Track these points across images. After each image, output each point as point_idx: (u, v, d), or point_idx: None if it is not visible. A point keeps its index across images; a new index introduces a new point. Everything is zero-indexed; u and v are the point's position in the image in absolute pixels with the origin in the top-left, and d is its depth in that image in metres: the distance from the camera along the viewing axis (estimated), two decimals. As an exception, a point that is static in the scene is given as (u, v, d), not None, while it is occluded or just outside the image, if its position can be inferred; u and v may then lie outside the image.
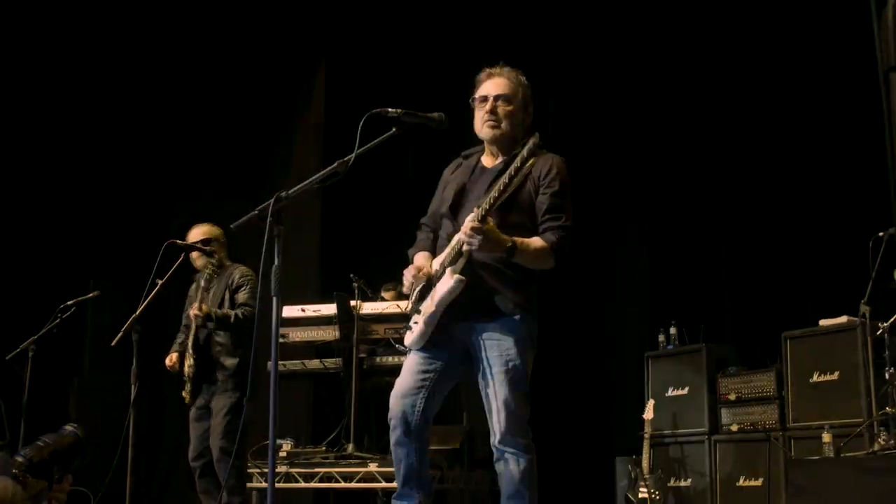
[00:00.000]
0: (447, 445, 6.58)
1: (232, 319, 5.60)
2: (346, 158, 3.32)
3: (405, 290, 3.84)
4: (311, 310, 6.96)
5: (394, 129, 3.47)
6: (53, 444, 2.65)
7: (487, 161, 3.87)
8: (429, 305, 3.65)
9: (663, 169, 8.77)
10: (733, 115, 8.32)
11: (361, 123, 3.30)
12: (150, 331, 5.69)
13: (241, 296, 5.71)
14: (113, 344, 5.37)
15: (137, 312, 5.36)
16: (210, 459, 5.65)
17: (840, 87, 7.36)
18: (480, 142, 3.93)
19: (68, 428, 2.71)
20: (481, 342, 3.61)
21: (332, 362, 6.96)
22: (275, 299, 3.29)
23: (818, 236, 7.65)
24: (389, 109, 3.43)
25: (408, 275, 3.79)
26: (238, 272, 5.82)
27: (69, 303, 6.17)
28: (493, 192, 3.47)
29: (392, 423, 3.71)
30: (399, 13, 9.01)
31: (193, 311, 5.55)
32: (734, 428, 6.71)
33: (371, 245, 8.47)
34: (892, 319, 5.36)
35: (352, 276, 6.70)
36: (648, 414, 6.94)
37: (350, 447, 6.41)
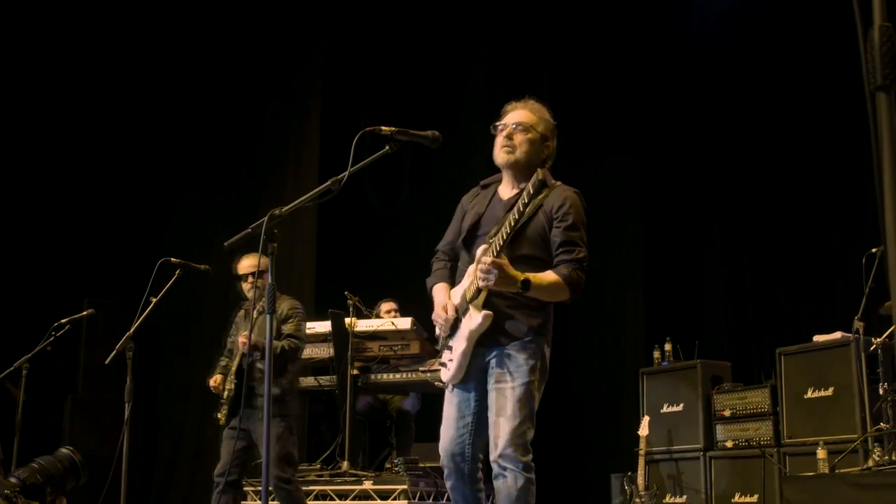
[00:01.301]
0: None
1: (277, 351, 5.61)
2: (339, 176, 3.33)
3: (438, 333, 3.90)
4: (306, 327, 6.96)
5: (387, 147, 3.48)
6: (48, 467, 2.65)
7: (504, 191, 3.90)
8: (460, 342, 3.72)
9: (660, 183, 8.81)
10: (730, 131, 8.38)
11: (355, 141, 3.31)
12: (145, 349, 5.67)
13: (288, 327, 5.74)
14: (107, 362, 5.35)
15: (132, 330, 5.35)
16: (235, 478, 5.68)
17: (833, 108, 7.41)
18: (499, 169, 3.94)
19: (63, 451, 2.71)
20: (493, 362, 3.68)
21: (326, 380, 6.96)
22: (268, 317, 3.30)
23: (812, 253, 7.68)
24: (383, 127, 3.44)
25: (439, 319, 3.83)
26: (286, 304, 5.85)
27: (63, 321, 6.15)
28: (504, 230, 3.53)
29: (446, 472, 3.79)
30: (398, 29, 9.06)
31: (242, 339, 5.58)
32: (729, 444, 6.70)
33: (366, 262, 8.48)
34: (885, 335, 5.38)
35: (346, 293, 6.71)
36: (643, 430, 6.93)
37: (345, 465, 6.40)
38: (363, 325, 6.73)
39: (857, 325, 5.50)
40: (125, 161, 9.20)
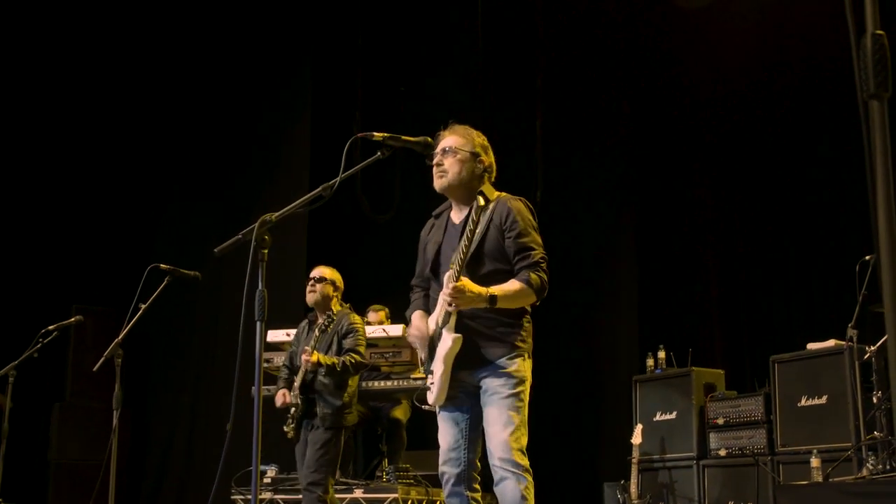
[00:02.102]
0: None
1: (339, 367, 5.65)
2: (330, 182, 3.33)
3: (421, 358, 4.09)
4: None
5: (379, 153, 3.49)
6: None
7: (455, 216, 4.10)
8: (438, 365, 3.91)
9: (654, 189, 8.83)
10: (725, 138, 8.39)
11: (346, 147, 3.32)
12: (134, 356, 5.66)
13: (349, 342, 5.79)
14: (95, 369, 5.33)
15: (120, 337, 5.33)
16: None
17: (826, 116, 7.44)
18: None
19: None
20: (483, 379, 3.88)
21: (316, 387, 6.93)
22: (258, 324, 3.29)
23: (806, 261, 7.70)
24: (374, 133, 3.45)
25: (411, 339, 4.08)
26: (348, 319, 5.90)
27: (50, 327, 6.13)
28: (459, 255, 3.73)
29: (443, 480, 4.02)
30: (389, 34, 9.06)
31: (305, 356, 5.62)
32: (722, 452, 6.72)
33: (356, 268, 8.47)
34: (879, 343, 5.39)
35: (337, 299, 6.68)
36: (636, 438, 6.94)
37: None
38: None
39: (851, 332, 5.51)
40: (115, 166, 9.19)
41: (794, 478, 5.93)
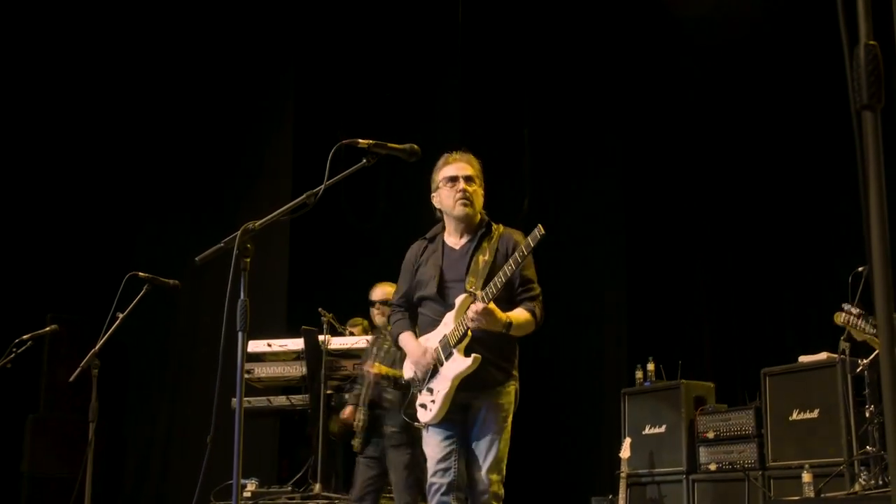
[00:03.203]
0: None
1: (403, 380, 5.67)
2: (315, 190, 3.33)
3: (417, 375, 4.28)
4: (278, 345, 6.94)
5: (364, 161, 3.50)
6: None
7: (452, 241, 4.33)
8: (443, 384, 4.12)
9: (643, 199, 8.86)
10: (714, 148, 8.44)
11: (331, 154, 3.32)
12: (111, 367, 5.64)
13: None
14: (71, 380, 5.31)
15: (97, 347, 5.31)
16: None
17: (819, 127, 7.49)
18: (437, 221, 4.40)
19: None
20: (480, 406, 4.14)
21: (299, 399, 6.94)
22: (240, 334, 3.28)
23: (798, 272, 7.73)
24: (360, 140, 3.46)
25: (421, 362, 4.22)
26: None
27: (25, 337, 6.10)
28: (499, 280, 3.96)
29: (431, 491, 4.20)
30: (372, 40, 9.08)
31: (367, 367, 5.73)
32: (712, 467, 6.73)
33: (340, 278, 8.47)
34: (872, 356, 5.41)
35: (320, 310, 6.69)
36: (625, 452, 6.94)
37: (317, 487, 6.38)
38: (337, 342, 6.72)
39: (844, 345, 5.53)
40: (93, 171, 9.16)
41: (786, 493, 5.95)
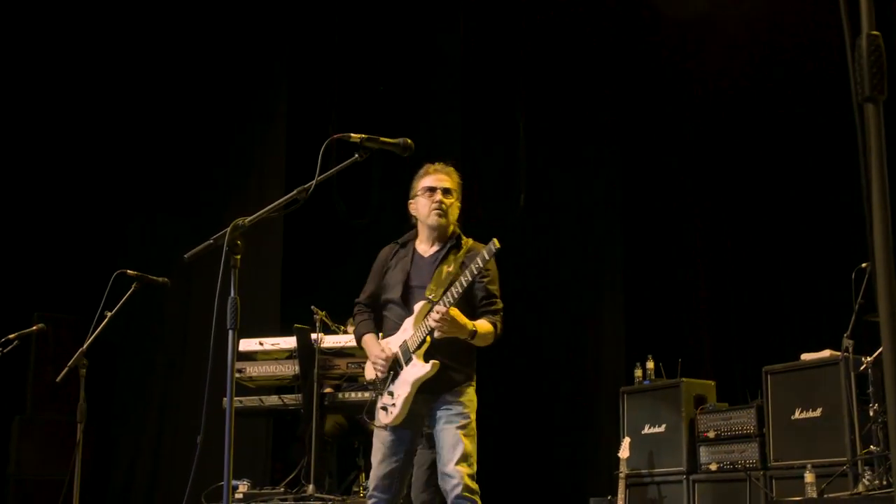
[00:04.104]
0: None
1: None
2: (306, 185, 3.33)
3: (378, 376, 4.46)
4: (270, 343, 6.93)
5: (356, 155, 3.50)
6: None
7: (422, 248, 4.55)
8: (403, 388, 4.32)
9: (641, 194, 8.86)
10: (714, 143, 8.44)
11: (323, 149, 3.32)
12: (99, 366, 5.63)
13: None
14: (58, 380, 5.31)
15: (85, 346, 5.31)
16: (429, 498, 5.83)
17: (820, 120, 7.50)
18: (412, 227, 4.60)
19: None
20: (440, 409, 4.33)
21: (291, 398, 6.92)
22: (231, 332, 3.28)
23: (800, 268, 7.74)
24: (352, 134, 3.45)
25: (379, 362, 4.42)
26: None
27: (11, 336, 6.09)
28: (455, 290, 4.17)
29: (373, 500, 4.43)
30: (366, 33, 9.07)
31: None
32: (713, 467, 6.74)
33: (334, 275, 8.46)
34: (875, 354, 5.41)
35: (313, 307, 6.68)
36: (624, 452, 6.95)
37: (310, 488, 6.36)
38: (330, 341, 6.71)
39: (847, 342, 5.54)
40: (79, 167, 9.13)
41: (788, 493, 5.96)
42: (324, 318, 6.68)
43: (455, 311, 4.14)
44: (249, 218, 3.30)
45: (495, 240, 4.04)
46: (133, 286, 5.60)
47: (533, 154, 9.21)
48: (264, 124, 8.91)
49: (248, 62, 9.02)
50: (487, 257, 4.08)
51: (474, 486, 4.22)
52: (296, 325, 6.72)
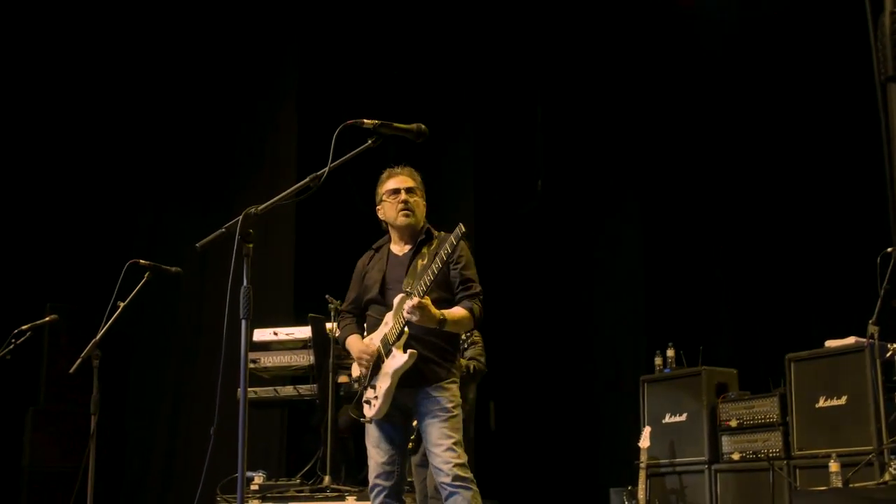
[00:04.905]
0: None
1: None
2: (318, 172, 3.33)
3: (362, 372, 4.61)
4: (284, 333, 6.95)
5: (370, 142, 3.50)
6: None
7: (396, 249, 4.74)
8: (384, 380, 4.45)
9: (660, 183, 8.83)
10: (733, 129, 8.40)
11: (335, 135, 3.32)
12: (112, 357, 5.65)
13: (470, 351, 5.89)
14: (71, 371, 5.34)
15: (98, 337, 5.33)
16: None
17: (842, 102, 7.44)
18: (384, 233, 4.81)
19: None
20: (425, 402, 4.46)
21: (306, 389, 6.95)
22: (244, 322, 3.29)
23: (823, 252, 7.70)
24: (365, 120, 3.45)
25: (363, 356, 4.58)
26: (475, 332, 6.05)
27: (24, 327, 6.13)
28: (427, 277, 4.30)
29: (373, 493, 4.57)
30: (379, 21, 9.05)
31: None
32: (735, 457, 6.73)
33: (348, 263, 8.47)
34: (901, 340, 5.39)
35: (327, 296, 6.69)
36: (644, 442, 6.95)
37: (326, 479, 6.39)
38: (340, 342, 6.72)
39: (872, 329, 5.50)
40: (91, 156, 9.16)
41: (812, 483, 5.94)
42: (338, 306, 6.68)
43: (426, 301, 4.26)
44: (261, 206, 3.30)
45: (461, 224, 4.15)
46: (146, 276, 5.62)
47: (550, 138, 9.18)
48: (276, 111, 8.91)
49: (258, 50, 9.02)
50: (455, 242, 4.20)
51: (465, 473, 4.33)
52: (311, 314, 6.74)
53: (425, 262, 4.47)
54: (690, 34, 8.62)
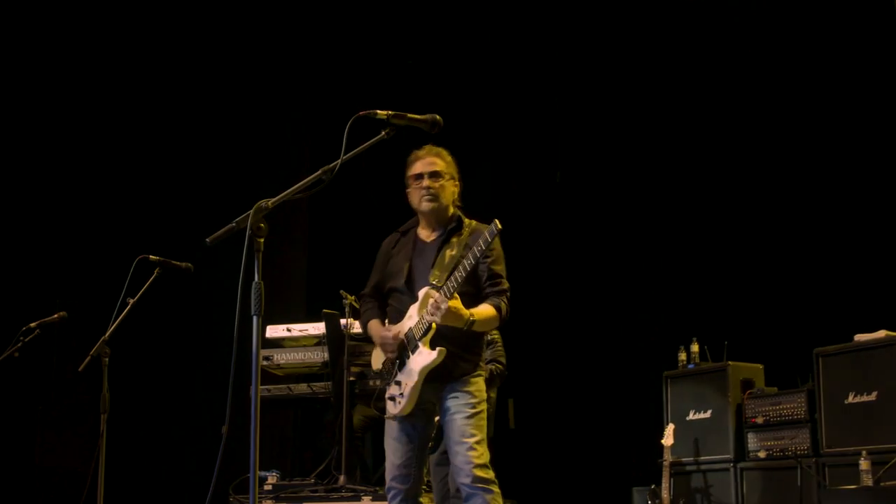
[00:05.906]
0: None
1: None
2: (331, 165, 3.33)
3: (389, 356, 4.55)
4: (298, 329, 6.96)
5: (383, 133, 3.49)
6: None
7: (424, 234, 4.67)
8: (410, 377, 4.40)
9: (684, 175, 8.80)
10: (757, 123, 8.35)
11: (348, 127, 3.31)
12: (122, 354, 5.68)
13: (488, 353, 5.98)
14: (80, 369, 5.36)
15: (107, 334, 5.36)
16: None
17: (867, 93, 7.39)
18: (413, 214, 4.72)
19: None
20: (449, 398, 4.42)
21: (320, 386, 6.95)
22: (255, 319, 3.29)
23: (852, 244, 7.65)
24: (378, 111, 3.45)
25: (388, 342, 4.51)
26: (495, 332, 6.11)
27: (32, 324, 6.15)
28: (458, 275, 4.22)
29: (389, 495, 4.55)
30: (394, 9, 9.06)
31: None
32: (762, 454, 6.70)
33: (362, 258, 8.48)
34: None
35: (342, 291, 6.69)
36: (668, 439, 6.93)
37: (341, 479, 6.40)
38: (360, 326, 6.72)
39: (903, 322, 5.49)
40: (98, 150, 9.19)
41: (842, 482, 5.92)
42: (353, 302, 6.68)
43: (454, 303, 4.19)
44: (272, 200, 3.30)
45: (497, 220, 4.09)
46: (155, 272, 5.64)
47: (569, 127, 9.16)
48: (288, 105, 8.92)
49: (270, 42, 9.04)
50: (490, 239, 4.14)
51: (486, 474, 4.29)
52: (325, 310, 6.74)
53: (454, 252, 4.41)
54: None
